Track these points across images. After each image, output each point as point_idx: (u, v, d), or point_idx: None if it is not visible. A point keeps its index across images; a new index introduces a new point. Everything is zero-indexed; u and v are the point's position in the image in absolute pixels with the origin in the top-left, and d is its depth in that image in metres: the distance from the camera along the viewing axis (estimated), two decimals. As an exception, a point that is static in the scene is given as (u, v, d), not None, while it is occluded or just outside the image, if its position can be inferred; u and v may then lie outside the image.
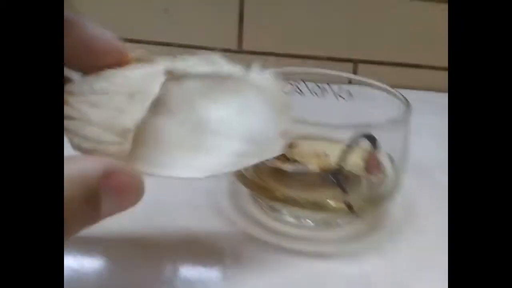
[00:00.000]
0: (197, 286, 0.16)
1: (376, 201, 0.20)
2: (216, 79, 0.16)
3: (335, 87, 0.24)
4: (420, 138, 0.24)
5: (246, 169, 0.21)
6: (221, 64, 0.16)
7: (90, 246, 0.18)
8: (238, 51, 0.42)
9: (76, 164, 0.12)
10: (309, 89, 0.24)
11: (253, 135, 0.15)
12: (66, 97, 0.14)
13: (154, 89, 0.14)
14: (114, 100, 0.13)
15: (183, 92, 0.15)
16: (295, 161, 0.21)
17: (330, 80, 0.24)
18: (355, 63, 0.41)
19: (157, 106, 0.14)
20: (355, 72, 0.41)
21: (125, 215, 0.20)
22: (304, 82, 0.24)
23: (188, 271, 0.17)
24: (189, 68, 0.15)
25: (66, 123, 0.14)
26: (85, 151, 0.13)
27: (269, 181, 0.20)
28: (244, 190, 0.23)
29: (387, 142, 0.19)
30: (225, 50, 0.42)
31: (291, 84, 0.24)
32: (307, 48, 0.41)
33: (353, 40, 0.41)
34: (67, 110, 0.14)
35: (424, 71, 0.41)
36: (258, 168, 0.21)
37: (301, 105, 0.21)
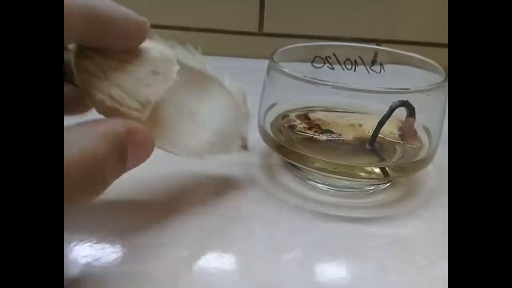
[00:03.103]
0: (239, 254, 0.17)
1: (410, 168, 0.20)
2: (199, 75, 0.18)
3: (366, 61, 0.24)
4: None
5: (281, 139, 0.22)
6: (203, 63, 0.18)
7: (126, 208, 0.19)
8: (259, 33, 0.42)
9: (105, 124, 0.14)
10: (340, 64, 0.24)
11: (219, 131, 0.18)
12: (92, 54, 0.15)
13: (174, 75, 0.15)
14: (139, 72, 0.15)
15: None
16: (329, 131, 0.22)
17: (361, 54, 0.24)
18: (378, 43, 0.41)
19: None
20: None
21: (161, 185, 0.21)
22: (336, 57, 0.24)
23: (228, 240, 0.18)
24: (181, 59, 0.17)
25: (91, 78, 0.15)
26: (104, 109, 0.15)
27: (304, 150, 0.21)
28: (277, 162, 0.23)
29: (423, 111, 0.20)
30: (246, 33, 0.43)
31: (321, 58, 0.25)
32: (329, 30, 0.41)
33: (376, 20, 0.40)
34: (91, 67, 0.15)
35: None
36: (293, 139, 0.22)
37: (333, 80, 0.21)
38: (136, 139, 0.14)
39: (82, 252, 0.16)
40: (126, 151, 0.14)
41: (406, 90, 0.18)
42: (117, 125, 0.14)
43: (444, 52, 0.40)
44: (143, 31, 0.15)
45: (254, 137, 0.23)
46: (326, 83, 0.18)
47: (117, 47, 0.15)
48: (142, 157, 0.15)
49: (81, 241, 0.17)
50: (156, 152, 0.16)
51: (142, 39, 0.15)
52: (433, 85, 0.19)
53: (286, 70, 0.19)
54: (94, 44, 0.15)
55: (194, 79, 0.18)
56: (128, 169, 0.14)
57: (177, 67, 0.15)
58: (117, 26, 0.14)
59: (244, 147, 0.19)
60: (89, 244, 0.17)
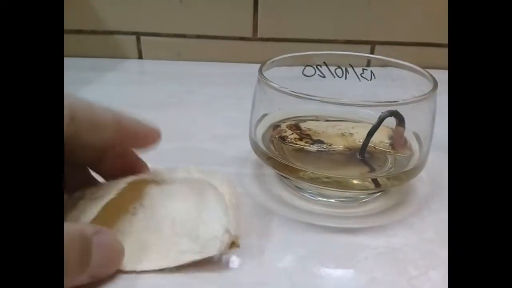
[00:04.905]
0: (229, 266, 0.17)
1: (402, 177, 0.20)
2: (188, 183, 0.19)
3: (357, 69, 0.24)
4: (443, 116, 0.24)
5: (272, 151, 0.22)
6: (193, 172, 0.19)
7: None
8: (253, 38, 0.42)
9: (77, 225, 0.15)
10: (330, 72, 0.24)
11: (199, 233, 0.17)
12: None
13: (110, 195, 0.17)
14: (81, 204, 0.17)
15: (159, 193, 0.19)
16: (320, 141, 0.22)
17: (351, 62, 0.24)
18: (372, 45, 0.41)
19: (137, 206, 0.18)
20: (372, 54, 0.41)
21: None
22: (326, 65, 0.24)
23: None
24: (168, 175, 0.19)
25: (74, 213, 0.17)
26: None
27: (295, 162, 0.21)
28: (270, 173, 0.23)
29: (413, 119, 0.20)
30: (241, 38, 0.43)
31: (312, 67, 0.25)
32: (324, 33, 0.41)
33: (369, 21, 0.40)
34: (81, 203, 0.17)
35: (443, 50, 0.41)
36: (284, 150, 0.22)
37: (324, 88, 0.21)
38: (102, 239, 0.15)
39: None
40: (90, 251, 0.14)
41: (394, 103, 0.18)
42: (87, 226, 0.15)
43: (439, 52, 0.40)
44: (153, 138, 0.18)
45: (247, 149, 0.23)
46: (314, 97, 0.18)
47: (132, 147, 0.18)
48: (109, 263, 0.15)
49: None
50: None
51: (153, 143, 0.18)
52: (421, 96, 0.19)
53: (275, 84, 0.20)
54: (118, 146, 0.18)
55: (185, 187, 0.19)
56: (95, 275, 0.14)
57: (120, 186, 0.17)
58: (135, 134, 0.17)
59: (234, 244, 0.17)
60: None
